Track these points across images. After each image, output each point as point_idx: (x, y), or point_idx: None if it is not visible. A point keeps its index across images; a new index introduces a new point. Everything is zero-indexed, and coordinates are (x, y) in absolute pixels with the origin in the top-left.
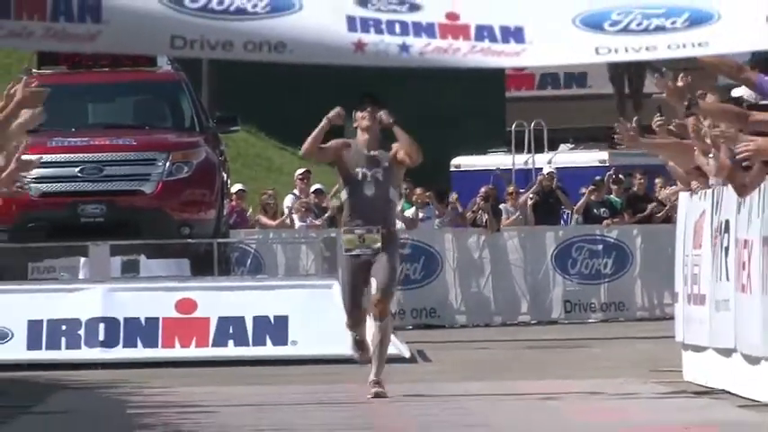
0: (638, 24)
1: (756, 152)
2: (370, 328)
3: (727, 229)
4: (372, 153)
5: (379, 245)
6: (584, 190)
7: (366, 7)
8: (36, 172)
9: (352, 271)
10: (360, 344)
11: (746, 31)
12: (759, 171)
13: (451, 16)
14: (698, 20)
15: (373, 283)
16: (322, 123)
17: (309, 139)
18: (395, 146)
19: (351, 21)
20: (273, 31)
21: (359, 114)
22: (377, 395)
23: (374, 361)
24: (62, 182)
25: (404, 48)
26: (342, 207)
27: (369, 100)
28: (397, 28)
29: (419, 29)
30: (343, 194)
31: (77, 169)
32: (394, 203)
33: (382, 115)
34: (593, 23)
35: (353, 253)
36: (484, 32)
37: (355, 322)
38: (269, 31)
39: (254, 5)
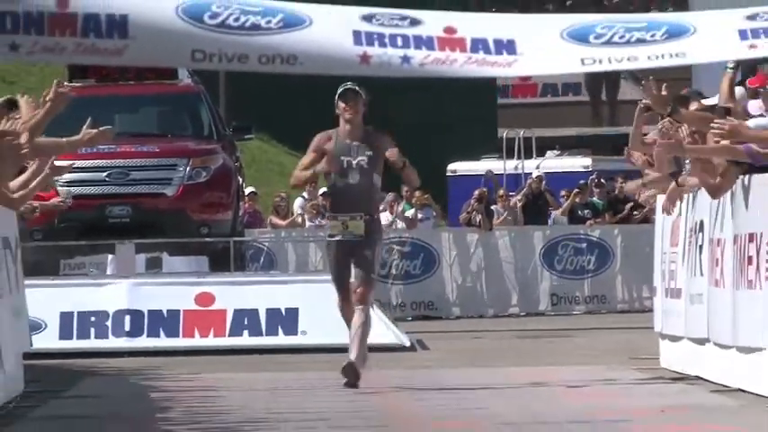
0: (621, 37)
1: (729, 133)
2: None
3: (701, 229)
4: (355, 143)
5: (362, 231)
6: (564, 193)
7: (371, 22)
8: (67, 177)
9: (336, 255)
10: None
11: (720, 43)
12: (730, 174)
13: (449, 30)
14: (675, 33)
15: (353, 270)
16: (309, 173)
17: (296, 178)
18: (386, 146)
19: (357, 35)
20: (285, 45)
21: (342, 105)
22: (347, 384)
23: (353, 343)
24: (91, 185)
25: (405, 59)
26: (328, 193)
27: (351, 92)
28: (399, 41)
29: (419, 42)
30: (329, 181)
31: (105, 174)
32: (377, 190)
33: (393, 157)
34: (580, 36)
35: (337, 238)
36: (479, 45)
37: (344, 297)
38: (281, 45)
39: (268, 21)
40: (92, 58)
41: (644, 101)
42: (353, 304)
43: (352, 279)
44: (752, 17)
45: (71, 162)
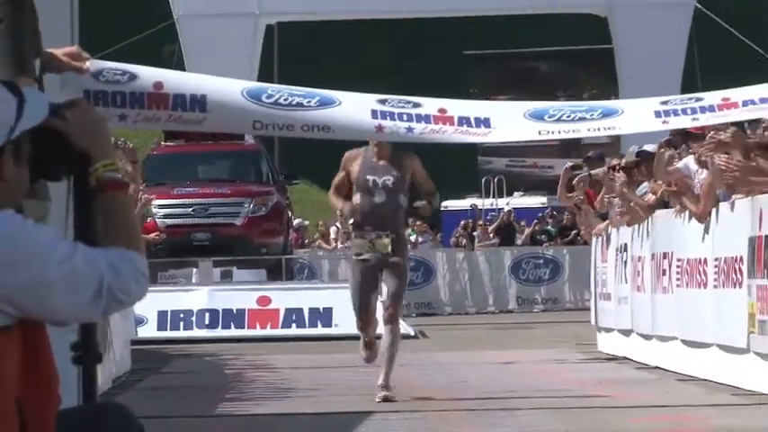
0: (567, 116)
1: (720, 145)
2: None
3: (625, 249)
4: (383, 162)
5: (388, 249)
6: (523, 223)
7: (384, 104)
8: (163, 211)
9: (362, 274)
10: (368, 344)
11: (641, 121)
12: (709, 197)
13: (442, 110)
14: (608, 114)
15: (384, 288)
16: (339, 206)
17: (331, 203)
18: (413, 166)
19: (374, 112)
20: (321, 118)
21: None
22: (385, 399)
23: (384, 365)
24: (180, 217)
25: (409, 129)
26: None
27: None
28: (405, 117)
29: (420, 118)
30: (355, 200)
31: (191, 209)
32: (403, 209)
33: (422, 209)
34: (537, 116)
35: (363, 257)
36: (463, 120)
37: (365, 324)
38: (318, 118)
39: (309, 101)
40: (179, 126)
41: (569, 164)
42: (384, 322)
43: (382, 298)
44: (665, 102)
45: (167, 201)
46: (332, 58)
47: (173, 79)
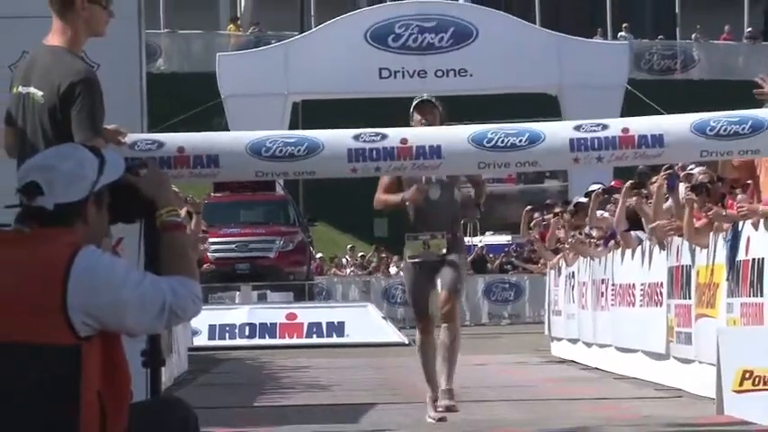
0: (501, 142)
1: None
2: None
3: (573, 276)
4: None
5: (444, 251)
6: (492, 256)
7: (357, 140)
8: (213, 247)
9: (417, 278)
10: (434, 400)
11: (557, 156)
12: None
13: (403, 141)
14: (534, 140)
15: (439, 283)
16: (397, 199)
17: (382, 203)
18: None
19: (349, 152)
20: (308, 165)
21: (418, 118)
22: (447, 409)
23: (442, 369)
24: (226, 252)
25: (377, 169)
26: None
27: (428, 103)
28: (374, 154)
29: (386, 153)
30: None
31: (234, 245)
32: (458, 205)
33: (470, 213)
34: (478, 140)
35: (417, 260)
36: (420, 151)
37: (426, 325)
38: (305, 166)
39: (298, 150)
40: (200, 180)
41: (528, 207)
42: (441, 320)
43: (438, 290)
44: (578, 128)
45: (216, 239)
46: (349, 127)
47: (191, 142)
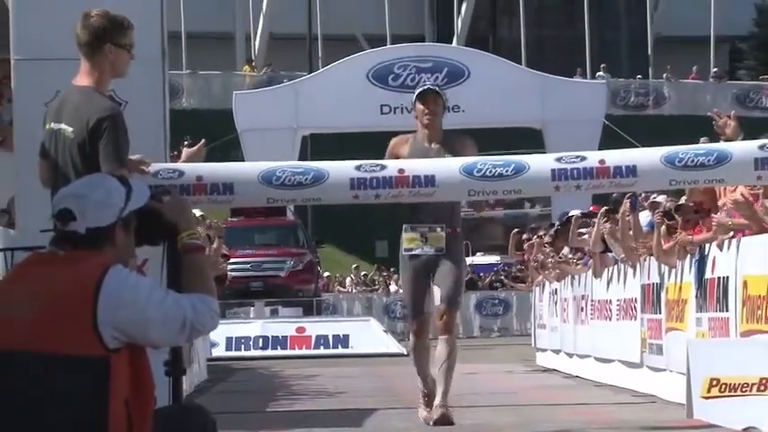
0: (490, 172)
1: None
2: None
3: (556, 293)
4: (435, 145)
5: (443, 244)
6: (482, 274)
7: (359, 170)
8: (230, 267)
9: (414, 273)
10: (426, 396)
11: (539, 183)
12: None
13: (401, 171)
14: (519, 170)
15: (436, 292)
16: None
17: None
18: (468, 150)
19: (351, 181)
20: (315, 193)
21: (420, 108)
22: (442, 416)
23: (439, 382)
24: (242, 271)
25: (377, 196)
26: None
27: (430, 92)
28: (374, 183)
29: (385, 182)
30: None
31: (249, 265)
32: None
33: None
34: (468, 170)
35: (414, 253)
36: (416, 181)
37: (420, 327)
38: (312, 193)
39: (306, 179)
40: (216, 206)
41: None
42: (439, 333)
43: (436, 302)
44: (558, 159)
45: (232, 259)
46: (353, 158)
47: (209, 171)
